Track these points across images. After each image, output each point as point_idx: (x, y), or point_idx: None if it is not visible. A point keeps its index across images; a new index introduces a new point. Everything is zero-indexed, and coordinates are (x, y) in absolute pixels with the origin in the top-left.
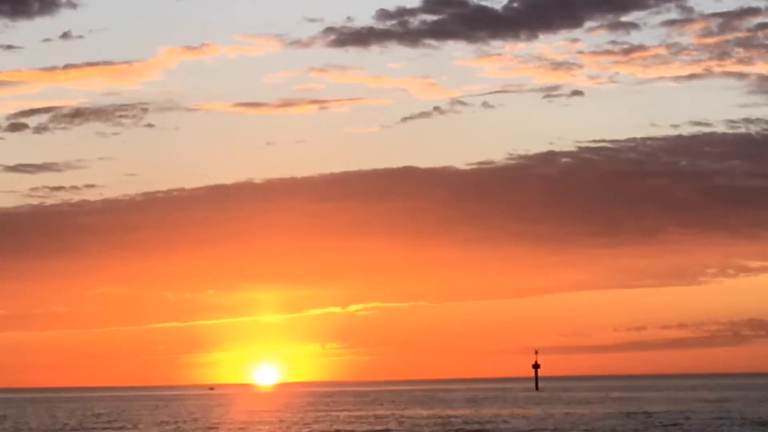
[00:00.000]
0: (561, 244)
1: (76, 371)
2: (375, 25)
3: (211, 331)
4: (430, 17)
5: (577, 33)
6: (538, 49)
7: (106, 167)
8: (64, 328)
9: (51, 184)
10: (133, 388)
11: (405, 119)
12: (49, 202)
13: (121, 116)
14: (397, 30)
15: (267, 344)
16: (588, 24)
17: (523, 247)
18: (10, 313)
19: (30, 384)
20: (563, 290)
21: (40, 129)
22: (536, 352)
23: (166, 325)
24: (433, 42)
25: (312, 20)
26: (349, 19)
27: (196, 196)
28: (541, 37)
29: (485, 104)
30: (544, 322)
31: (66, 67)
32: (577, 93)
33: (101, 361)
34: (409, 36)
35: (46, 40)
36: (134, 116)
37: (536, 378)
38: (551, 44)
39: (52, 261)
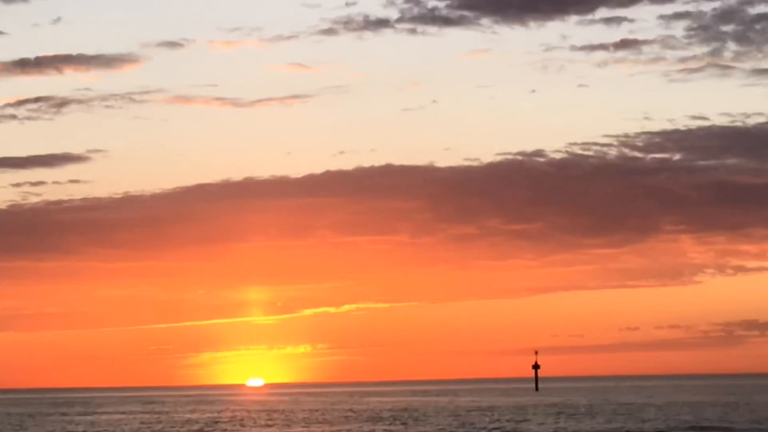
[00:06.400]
0: (554, 243)
1: (68, 372)
2: (371, 14)
3: (203, 332)
4: (435, 4)
5: (570, 27)
6: (531, 42)
7: (91, 162)
8: (55, 329)
9: (34, 180)
10: (125, 389)
11: (390, 115)
12: (32, 198)
13: (107, 106)
14: (395, 18)
15: (259, 345)
16: (580, 17)
17: (515, 246)
18: (1, 314)
19: (22, 385)
20: (557, 290)
21: (24, 121)
22: (536, 353)
23: (159, 326)
24: (432, 30)
25: (308, 7)
26: (347, 4)
27: (177, 193)
28: (533, 30)
29: (475, 99)
30: (537, 322)
31: (50, 58)
32: (569, 87)
33: (92, 361)
34: (405, 25)
35: (36, 25)
36: (121, 107)
37: (536, 378)
38: (543, 39)
39: (40, 261)
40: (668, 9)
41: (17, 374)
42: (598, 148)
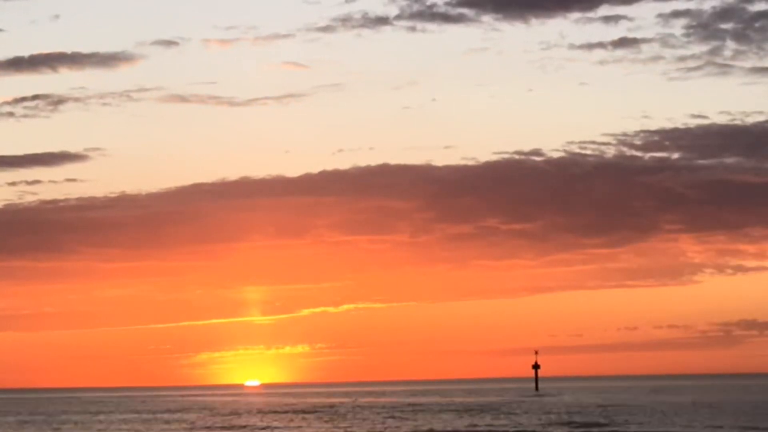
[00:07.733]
0: (552, 243)
1: (66, 372)
2: (370, 11)
3: (201, 331)
4: (434, 0)
5: (569, 25)
6: (529, 41)
7: (88, 161)
8: (53, 329)
9: (30, 179)
10: (122, 389)
11: (388, 113)
12: (28, 197)
13: (103, 105)
14: (394, 15)
15: (257, 345)
16: (581, 14)
17: (513, 245)
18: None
19: (20, 384)
20: (556, 290)
21: (21, 119)
22: (536, 353)
23: (157, 326)
24: (432, 27)
25: (307, 4)
26: (347, 1)
27: (174, 192)
28: (534, 27)
29: (473, 98)
30: (536, 322)
31: (46, 56)
32: (567, 85)
33: (90, 361)
34: (405, 22)
35: (33, 22)
36: (117, 106)
37: (536, 378)
38: (542, 37)
39: (37, 260)
40: (667, 7)
41: (15, 374)
42: (596, 147)
